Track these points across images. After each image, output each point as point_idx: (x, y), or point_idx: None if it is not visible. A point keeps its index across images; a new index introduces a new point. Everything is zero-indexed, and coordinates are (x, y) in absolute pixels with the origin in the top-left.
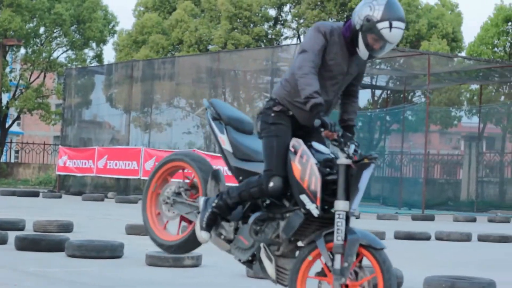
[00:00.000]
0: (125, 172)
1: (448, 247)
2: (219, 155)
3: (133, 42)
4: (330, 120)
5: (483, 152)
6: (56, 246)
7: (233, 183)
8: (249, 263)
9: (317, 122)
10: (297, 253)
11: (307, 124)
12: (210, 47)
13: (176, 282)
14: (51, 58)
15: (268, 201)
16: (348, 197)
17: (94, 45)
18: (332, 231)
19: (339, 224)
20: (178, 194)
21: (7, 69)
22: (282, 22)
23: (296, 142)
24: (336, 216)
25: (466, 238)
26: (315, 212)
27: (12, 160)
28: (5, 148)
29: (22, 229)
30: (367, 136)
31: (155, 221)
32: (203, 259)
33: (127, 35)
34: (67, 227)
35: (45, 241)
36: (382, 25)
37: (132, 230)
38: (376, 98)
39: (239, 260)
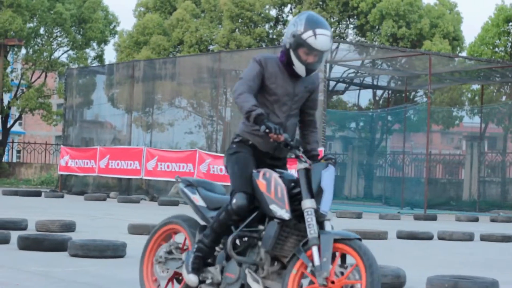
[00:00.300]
0: (127, 172)
1: (451, 247)
2: (221, 155)
3: (134, 43)
4: (275, 125)
5: (485, 152)
6: (58, 246)
7: None
8: None
9: (262, 128)
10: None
11: (269, 151)
12: (210, 47)
13: None
14: (52, 57)
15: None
16: (313, 196)
17: (95, 45)
18: (308, 239)
19: (309, 219)
20: (170, 252)
21: (8, 69)
22: (283, 22)
23: (259, 168)
24: (305, 213)
25: (469, 237)
26: (286, 215)
27: (14, 160)
28: (7, 148)
29: (24, 228)
30: (368, 136)
31: (152, 286)
32: None
33: (128, 36)
34: (70, 227)
35: (48, 241)
36: (307, 35)
37: (135, 229)
38: (377, 98)
39: None
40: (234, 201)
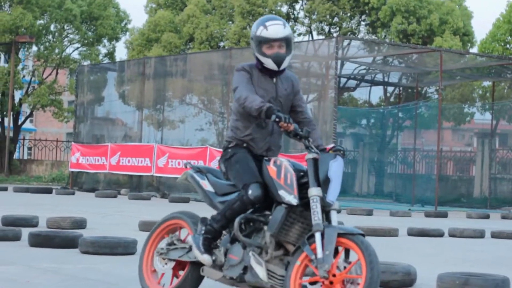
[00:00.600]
0: (138, 169)
1: (462, 244)
2: None
3: (145, 41)
4: (285, 115)
5: (496, 149)
6: (69, 243)
7: None
8: (241, 277)
9: (273, 117)
10: (286, 261)
11: (262, 153)
12: (221, 44)
13: None
14: (64, 54)
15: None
16: (320, 184)
17: (106, 42)
18: (313, 233)
19: (314, 207)
20: (171, 244)
21: (19, 66)
22: (294, 19)
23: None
24: (311, 201)
25: (480, 235)
26: (294, 201)
27: (25, 157)
28: (18, 145)
29: (35, 225)
30: (379, 133)
31: (150, 277)
32: None
33: (139, 34)
34: (81, 224)
35: (59, 238)
36: (260, 30)
37: (145, 226)
38: (388, 95)
39: (232, 278)
40: (250, 192)
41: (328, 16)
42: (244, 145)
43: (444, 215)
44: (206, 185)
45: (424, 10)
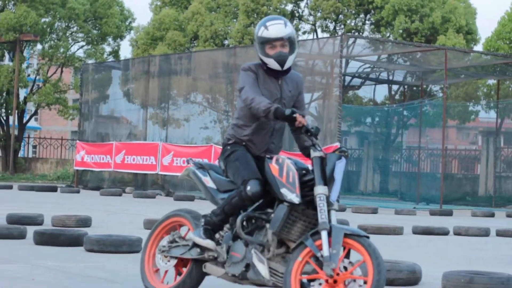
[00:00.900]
0: (143, 167)
1: (467, 242)
2: None
3: (150, 39)
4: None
5: (501, 147)
6: (74, 241)
7: None
8: (243, 274)
9: (288, 111)
10: (287, 258)
11: (260, 154)
12: (226, 42)
13: None
14: (69, 53)
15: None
16: (326, 183)
17: (111, 40)
18: (317, 230)
19: (321, 205)
20: (173, 241)
21: (24, 65)
22: (299, 17)
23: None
24: (318, 199)
25: (485, 233)
26: (296, 199)
27: (30, 155)
28: (23, 143)
29: (40, 223)
30: (384, 131)
31: (153, 276)
32: None
33: (144, 32)
34: (85, 222)
35: (64, 236)
36: (261, 31)
37: (150, 225)
38: (393, 93)
39: (234, 276)
40: (248, 188)
41: (332, 14)
42: (243, 143)
43: (449, 213)
44: (208, 181)
45: (426, 8)
